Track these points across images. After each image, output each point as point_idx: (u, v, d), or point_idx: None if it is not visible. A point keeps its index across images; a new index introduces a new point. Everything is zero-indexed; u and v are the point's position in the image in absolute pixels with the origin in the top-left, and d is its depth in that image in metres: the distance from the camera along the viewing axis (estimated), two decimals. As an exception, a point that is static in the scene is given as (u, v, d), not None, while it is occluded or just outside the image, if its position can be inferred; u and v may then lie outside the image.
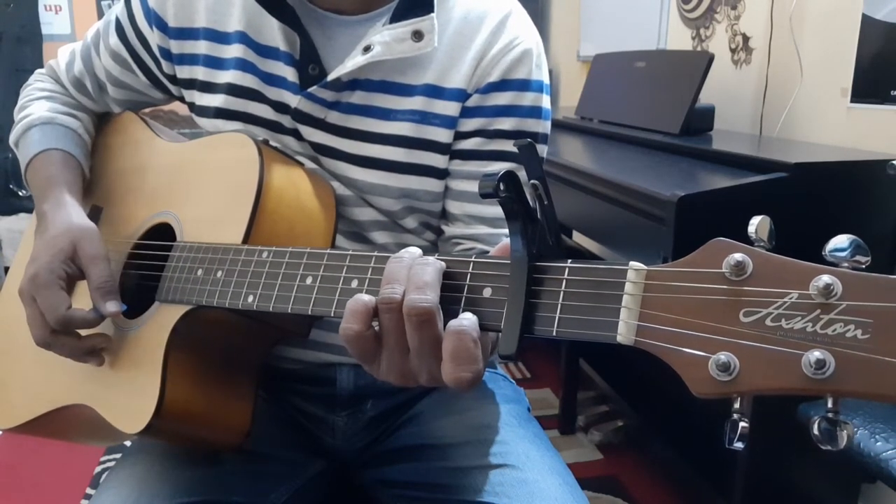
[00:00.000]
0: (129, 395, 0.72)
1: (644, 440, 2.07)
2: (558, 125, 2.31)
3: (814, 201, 1.31)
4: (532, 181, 0.49)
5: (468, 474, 0.76)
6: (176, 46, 0.87)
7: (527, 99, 0.82)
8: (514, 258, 0.49)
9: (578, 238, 2.54)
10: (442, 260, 0.53)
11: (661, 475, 1.95)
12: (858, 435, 1.08)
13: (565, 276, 0.48)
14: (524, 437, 0.82)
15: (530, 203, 0.49)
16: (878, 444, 1.06)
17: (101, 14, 3.42)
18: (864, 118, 1.57)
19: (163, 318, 0.72)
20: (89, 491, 1.85)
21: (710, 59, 1.72)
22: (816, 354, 0.36)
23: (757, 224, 0.40)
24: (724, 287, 0.40)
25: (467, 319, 0.49)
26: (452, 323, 0.49)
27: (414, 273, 0.51)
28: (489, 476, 0.75)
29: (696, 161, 1.58)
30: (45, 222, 0.79)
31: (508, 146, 0.82)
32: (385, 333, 0.52)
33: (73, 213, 0.80)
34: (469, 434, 0.81)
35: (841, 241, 0.38)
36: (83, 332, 0.75)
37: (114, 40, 0.90)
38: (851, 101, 1.58)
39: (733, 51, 2.01)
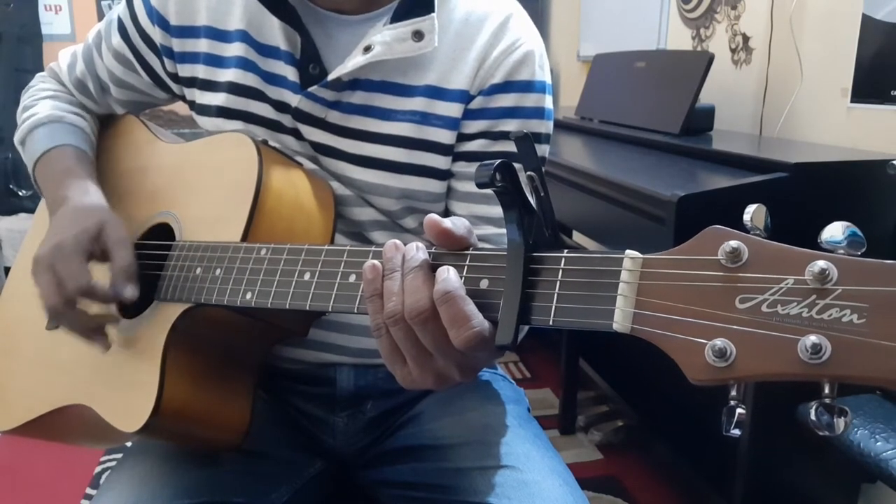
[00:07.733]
0: (127, 394, 0.72)
1: (644, 440, 2.06)
2: (558, 125, 2.30)
3: (814, 201, 1.30)
4: (528, 173, 0.50)
5: (468, 475, 0.76)
6: (178, 45, 0.87)
7: (530, 100, 0.82)
8: (511, 248, 0.49)
9: (578, 238, 2.54)
10: (439, 253, 0.53)
11: (661, 475, 1.94)
12: (858, 435, 1.08)
13: (561, 265, 0.48)
14: (524, 437, 0.81)
15: (527, 195, 0.49)
16: (878, 444, 1.06)
17: (101, 14, 3.42)
18: (864, 118, 1.57)
19: (161, 317, 0.72)
20: (89, 491, 1.85)
21: (710, 59, 1.72)
22: (812, 339, 0.36)
23: (752, 212, 0.40)
24: (720, 274, 0.40)
25: (448, 280, 0.50)
26: (437, 289, 0.50)
27: (407, 283, 0.53)
28: (489, 477, 0.75)
29: (696, 161, 1.58)
30: (68, 203, 0.80)
31: (513, 147, 0.83)
32: (401, 344, 0.54)
33: (98, 199, 0.81)
34: (469, 435, 0.81)
35: (836, 230, 0.38)
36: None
37: (116, 40, 0.90)
38: (851, 101, 1.58)
39: (733, 51, 2.01)
